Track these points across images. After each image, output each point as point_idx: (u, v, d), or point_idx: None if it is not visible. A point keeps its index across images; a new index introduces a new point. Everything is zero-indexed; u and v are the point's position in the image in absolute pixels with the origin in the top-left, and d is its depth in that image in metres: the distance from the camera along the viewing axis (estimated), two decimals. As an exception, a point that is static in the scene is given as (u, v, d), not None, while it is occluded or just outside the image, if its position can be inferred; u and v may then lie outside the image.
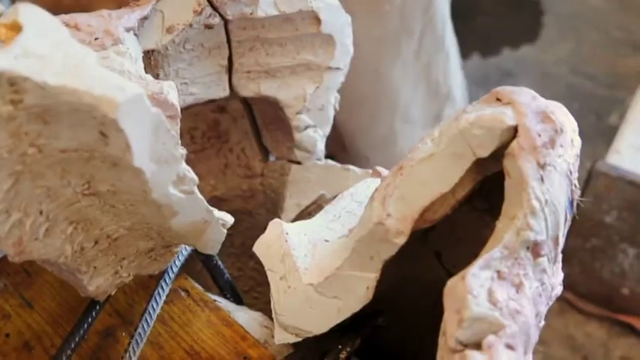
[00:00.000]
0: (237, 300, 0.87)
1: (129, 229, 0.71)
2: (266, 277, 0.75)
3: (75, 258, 0.69)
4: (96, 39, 0.74)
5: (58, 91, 0.55)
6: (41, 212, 0.64)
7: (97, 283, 0.73)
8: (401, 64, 0.88)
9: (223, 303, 0.84)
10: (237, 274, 1.03)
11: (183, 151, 0.66)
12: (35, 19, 0.58)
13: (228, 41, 0.88)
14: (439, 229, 0.78)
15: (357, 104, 1.00)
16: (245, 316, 0.82)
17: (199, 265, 0.88)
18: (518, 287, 0.62)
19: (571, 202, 0.69)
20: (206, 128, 0.99)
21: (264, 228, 0.77)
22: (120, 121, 0.57)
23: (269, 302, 0.75)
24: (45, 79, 0.55)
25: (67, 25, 0.74)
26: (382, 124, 0.98)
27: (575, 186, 0.69)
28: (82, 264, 0.70)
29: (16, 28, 0.56)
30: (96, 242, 0.70)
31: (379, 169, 0.89)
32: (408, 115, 0.98)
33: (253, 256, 0.77)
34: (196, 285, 0.84)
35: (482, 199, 0.76)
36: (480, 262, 0.61)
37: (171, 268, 0.80)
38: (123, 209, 0.68)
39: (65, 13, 0.77)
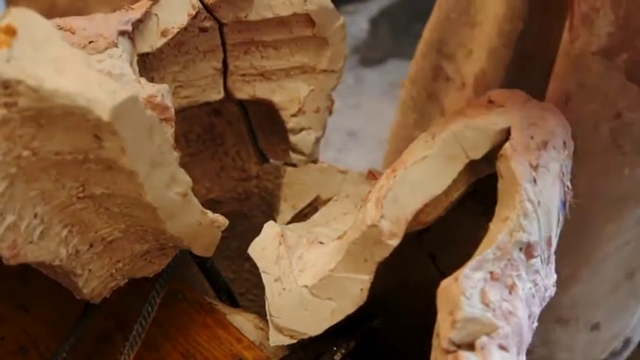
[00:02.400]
0: (233, 302, 0.88)
1: (124, 232, 0.71)
2: (261, 279, 0.76)
3: (70, 261, 0.69)
4: (90, 42, 0.74)
5: (52, 94, 0.56)
6: (36, 215, 0.64)
7: (92, 285, 0.73)
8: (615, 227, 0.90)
9: (219, 305, 0.84)
10: (232, 277, 1.03)
11: (177, 154, 0.66)
12: (29, 22, 0.58)
13: (223, 44, 0.88)
14: (433, 231, 0.78)
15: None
16: (240, 319, 0.83)
17: (194, 267, 0.88)
18: (512, 288, 0.62)
19: (563, 204, 0.69)
20: (201, 131, 0.99)
21: (260, 230, 0.77)
22: (114, 124, 0.57)
23: (264, 304, 0.76)
24: (39, 82, 0.55)
25: (61, 28, 0.74)
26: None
27: (568, 187, 0.70)
28: (76, 267, 0.70)
29: (10, 31, 0.57)
30: (91, 245, 0.70)
31: (374, 171, 0.90)
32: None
33: (249, 259, 0.77)
34: (192, 288, 0.84)
35: (475, 201, 0.77)
36: (472, 263, 0.62)
37: (167, 271, 0.80)
38: (118, 212, 0.68)
39: (60, 16, 0.77)
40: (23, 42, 0.56)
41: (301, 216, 0.92)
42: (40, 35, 0.58)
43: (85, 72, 0.57)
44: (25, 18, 0.58)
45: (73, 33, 0.74)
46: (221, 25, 0.86)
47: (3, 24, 0.57)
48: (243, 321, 0.83)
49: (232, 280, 1.05)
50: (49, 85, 0.56)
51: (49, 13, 1.68)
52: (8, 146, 0.58)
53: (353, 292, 0.71)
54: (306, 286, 0.72)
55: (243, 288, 1.05)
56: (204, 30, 0.85)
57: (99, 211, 0.68)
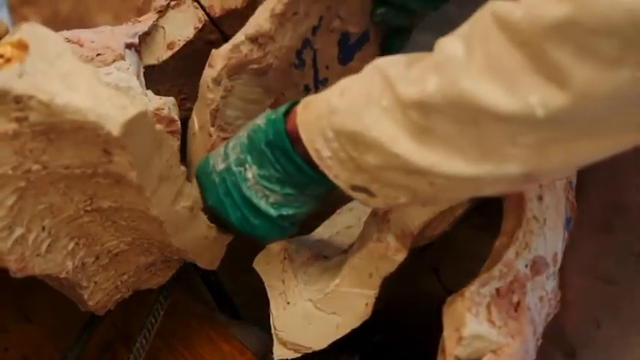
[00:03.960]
0: (236, 315, 0.88)
1: (130, 245, 0.71)
2: (264, 290, 0.76)
3: (76, 273, 0.69)
4: (98, 55, 0.75)
5: (63, 109, 0.56)
6: (44, 228, 0.64)
7: (97, 297, 0.73)
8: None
9: (221, 318, 0.84)
10: (234, 288, 1.03)
11: (184, 168, 0.66)
12: (41, 38, 0.58)
13: (228, 57, 0.88)
14: (437, 245, 0.79)
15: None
16: (243, 331, 0.83)
17: (198, 279, 0.88)
18: (517, 305, 0.62)
19: (568, 220, 0.70)
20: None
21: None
22: (124, 139, 0.57)
23: (267, 316, 0.76)
24: (50, 97, 0.56)
25: (69, 41, 0.74)
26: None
27: (573, 204, 0.70)
28: (82, 279, 0.70)
29: (21, 46, 0.57)
30: (97, 258, 0.70)
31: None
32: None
33: (252, 270, 0.78)
34: (195, 300, 0.84)
35: (479, 215, 0.77)
36: (479, 280, 0.62)
37: (170, 283, 0.80)
38: (124, 225, 0.68)
39: (63, 23, 0.77)
40: (35, 57, 0.57)
41: (306, 229, 0.92)
42: (51, 50, 0.58)
43: (96, 87, 0.58)
44: (37, 33, 0.58)
45: (81, 45, 0.75)
46: (226, 38, 0.87)
47: (15, 39, 0.57)
48: (246, 334, 0.83)
49: (234, 292, 1.05)
50: (60, 100, 0.56)
51: (52, 20, 1.68)
52: (18, 160, 0.59)
53: (358, 306, 0.71)
54: (310, 301, 0.72)
55: (246, 299, 1.05)
56: (210, 43, 0.86)
57: (106, 224, 0.68)
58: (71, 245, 0.67)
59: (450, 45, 0.53)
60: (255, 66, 0.76)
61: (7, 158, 0.58)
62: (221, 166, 0.68)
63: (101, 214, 0.67)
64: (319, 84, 0.84)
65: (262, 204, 0.67)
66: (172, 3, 0.82)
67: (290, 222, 0.69)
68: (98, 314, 0.76)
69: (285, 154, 0.64)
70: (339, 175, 0.61)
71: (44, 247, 0.65)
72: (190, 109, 0.88)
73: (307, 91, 0.83)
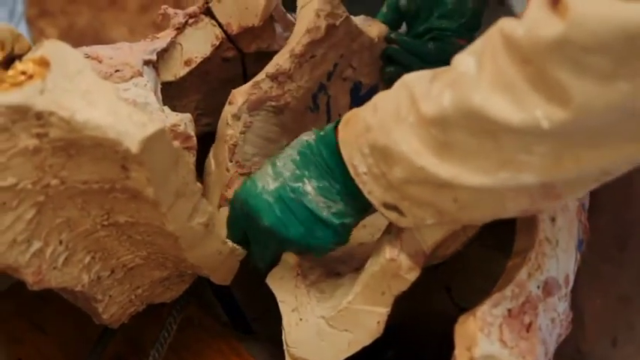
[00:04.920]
0: (248, 330, 0.88)
1: (145, 259, 0.72)
2: (277, 306, 0.76)
3: (91, 286, 0.70)
4: (116, 71, 0.76)
5: (83, 125, 0.57)
6: (61, 242, 0.65)
7: (112, 311, 0.74)
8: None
9: (234, 333, 0.85)
10: (247, 303, 1.03)
11: (200, 185, 0.67)
12: (62, 55, 0.59)
13: (244, 74, 0.90)
14: (449, 264, 0.79)
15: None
16: (255, 347, 0.83)
17: (211, 294, 0.89)
18: (529, 326, 0.63)
19: (581, 242, 0.70)
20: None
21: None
22: (142, 156, 0.58)
23: (279, 332, 0.76)
24: (70, 113, 0.57)
25: (88, 57, 0.75)
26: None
27: (586, 226, 0.71)
28: (98, 292, 0.71)
29: (43, 63, 0.58)
30: (112, 271, 0.71)
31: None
32: None
33: (265, 286, 0.78)
34: (208, 314, 0.85)
35: (491, 235, 0.77)
36: (491, 300, 0.62)
37: (184, 297, 0.81)
38: (140, 240, 0.69)
39: (79, 37, 0.79)
40: (56, 74, 0.58)
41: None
42: (72, 67, 0.59)
43: (115, 104, 0.58)
44: (58, 50, 0.59)
45: (100, 62, 0.76)
46: (243, 55, 0.88)
47: (37, 56, 0.58)
48: (258, 349, 0.83)
49: (246, 305, 1.05)
50: (80, 116, 0.57)
51: (68, 33, 1.70)
52: (38, 175, 0.60)
53: (370, 324, 0.71)
54: (323, 317, 0.73)
55: (257, 313, 1.05)
56: (226, 60, 0.87)
57: (121, 239, 0.69)
58: (87, 259, 0.68)
59: (464, 61, 0.56)
60: (273, 103, 0.79)
61: (27, 173, 0.59)
62: (274, 185, 0.70)
63: (117, 229, 0.68)
64: (331, 130, 0.87)
65: (325, 215, 0.69)
66: (190, 20, 0.83)
67: (348, 231, 0.71)
68: (112, 327, 0.77)
69: (342, 169, 0.66)
70: (372, 192, 0.64)
71: (61, 260, 0.66)
72: (206, 125, 0.89)
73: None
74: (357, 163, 0.64)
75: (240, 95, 0.78)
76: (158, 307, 0.84)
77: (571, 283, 0.68)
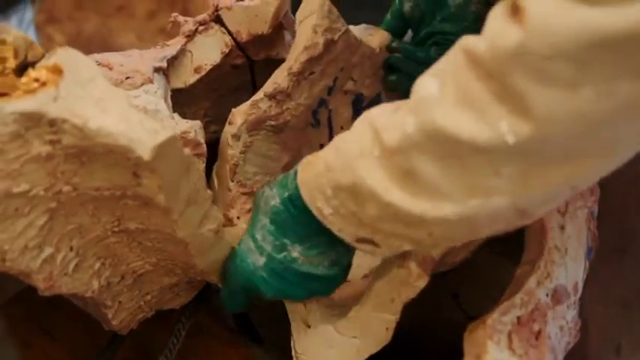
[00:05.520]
0: (256, 337, 0.88)
1: (154, 265, 0.72)
2: (285, 313, 0.77)
3: (101, 293, 0.70)
4: (127, 78, 0.76)
5: (96, 133, 0.57)
6: (71, 248, 0.65)
7: (121, 317, 0.74)
8: None
9: (243, 340, 0.85)
10: (255, 310, 1.03)
11: (210, 192, 0.67)
12: (75, 62, 0.60)
13: (253, 81, 0.90)
14: (457, 271, 0.79)
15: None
16: (264, 354, 0.83)
17: (218, 299, 0.89)
18: (538, 334, 0.63)
19: (590, 250, 0.70)
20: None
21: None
22: (153, 163, 0.58)
23: (288, 339, 0.76)
24: (83, 120, 0.57)
25: (99, 64, 0.76)
26: None
27: (595, 234, 0.71)
28: (107, 298, 0.71)
29: (56, 70, 0.58)
30: (122, 277, 0.72)
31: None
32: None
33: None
34: (216, 321, 0.85)
35: (499, 242, 0.77)
36: (500, 308, 0.63)
37: (193, 304, 0.81)
38: (150, 246, 0.69)
39: (87, 43, 0.79)
40: (69, 81, 0.58)
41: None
42: (84, 74, 0.59)
43: (127, 111, 0.59)
44: (71, 57, 0.60)
45: (111, 69, 0.76)
46: (252, 63, 0.88)
47: (50, 63, 0.59)
48: (266, 356, 0.83)
49: (253, 311, 1.05)
50: (92, 124, 0.57)
51: (76, 40, 1.71)
52: (50, 181, 0.60)
53: (379, 331, 0.71)
54: (331, 324, 0.73)
55: (265, 319, 1.05)
56: (235, 67, 0.87)
57: (132, 245, 0.69)
58: (97, 265, 0.69)
59: (425, 84, 0.55)
60: (272, 122, 0.79)
61: (39, 180, 0.59)
62: (262, 261, 0.69)
63: (128, 235, 0.68)
64: (335, 144, 0.87)
65: (320, 271, 0.68)
66: (200, 28, 0.84)
67: (347, 270, 0.71)
68: (121, 333, 0.77)
69: (316, 220, 0.64)
70: (343, 230, 0.63)
71: (72, 266, 0.66)
72: (214, 132, 0.89)
73: (324, 150, 0.86)
74: (321, 206, 0.62)
75: (239, 115, 0.78)
76: (167, 314, 0.84)
77: (580, 291, 0.68)
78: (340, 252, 0.68)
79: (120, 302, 0.73)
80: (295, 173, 0.66)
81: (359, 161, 0.58)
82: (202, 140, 0.78)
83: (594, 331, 0.85)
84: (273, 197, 0.68)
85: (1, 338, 0.84)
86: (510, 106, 0.49)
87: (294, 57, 0.79)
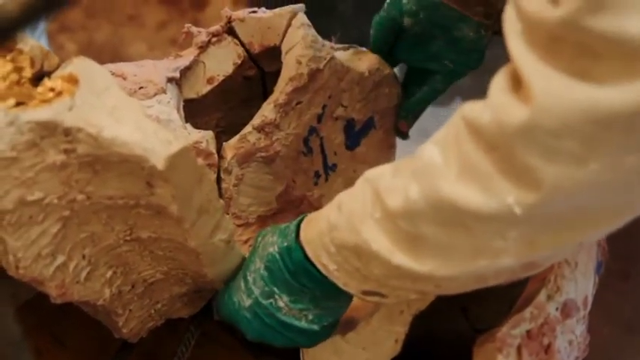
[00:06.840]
0: (265, 347, 0.88)
1: (165, 274, 0.73)
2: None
3: (112, 301, 0.70)
4: (140, 88, 0.77)
5: (110, 142, 0.58)
6: (84, 256, 0.66)
7: (132, 325, 0.74)
8: None
9: (251, 349, 0.85)
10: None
11: (222, 201, 0.68)
12: (90, 72, 0.60)
13: (264, 92, 0.91)
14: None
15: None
16: (272, 363, 0.84)
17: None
18: (548, 348, 0.63)
19: (599, 264, 0.70)
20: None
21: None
22: (167, 173, 0.59)
23: (297, 350, 0.77)
24: (98, 130, 0.58)
25: (113, 74, 0.76)
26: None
27: (604, 248, 0.71)
28: (118, 307, 0.72)
29: (72, 80, 0.59)
30: (133, 286, 0.72)
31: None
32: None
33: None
34: (225, 330, 0.85)
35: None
36: (510, 321, 0.63)
37: (202, 313, 0.82)
38: (161, 255, 0.70)
39: (98, 52, 0.79)
40: (84, 91, 0.59)
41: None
42: (99, 84, 0.60)
43: (142, 121, 0.59)
44: (86, 67, 0.61)
45: (124, 79, 0.77)
46: (264, 74, 0.89)
47: (66, 73, 0.59)
48: (274, 366, 0.84)
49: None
50: (107, 133, 0.58)
51: (87, 49, 1.72)
52: (64, 190, 0.61)
53: (387, 342, 0.72)
54: (340, 335, 0.73)
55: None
56: (247, 78, 0.88)
57: (143, 254, 0.70)
58: (109, 273, 0.69)
59: (428, 152, 0.55)
60: (263, 154, 0.80)
61: (53, 188, 0.60)
62: (248, 302, 0.70)
63: (140, 244, 0.69)
64: (329, 170, 0.89)
65: (303, 324, 0.68)
66: (213, 39, 0.84)
67: (332, 328, 0.70)
68: (131, 341, 0.78)
69: (311, 278, 0.65)
70: (348, 284, 0.63)
71: (84, 274, 0.66)
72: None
73: (318, 177, 0.88)
74: (326, 262, 0.63)
75: (229, 149, 0.79)
76: (176, 322, 0.84)
77: (589, 306, 0.68)
78: (327, 311, 0.69)
79: (130, 310, 0.73)
80: (296, 226, 0.67)
81: (362, 223, 0.59)
82: (214, 150, 0.79)
83: (598, 354, 0.85)
84: (272, 244, 0.68)
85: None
86: (517, 180, 0.50)
87: (280, 89, 0.80)
